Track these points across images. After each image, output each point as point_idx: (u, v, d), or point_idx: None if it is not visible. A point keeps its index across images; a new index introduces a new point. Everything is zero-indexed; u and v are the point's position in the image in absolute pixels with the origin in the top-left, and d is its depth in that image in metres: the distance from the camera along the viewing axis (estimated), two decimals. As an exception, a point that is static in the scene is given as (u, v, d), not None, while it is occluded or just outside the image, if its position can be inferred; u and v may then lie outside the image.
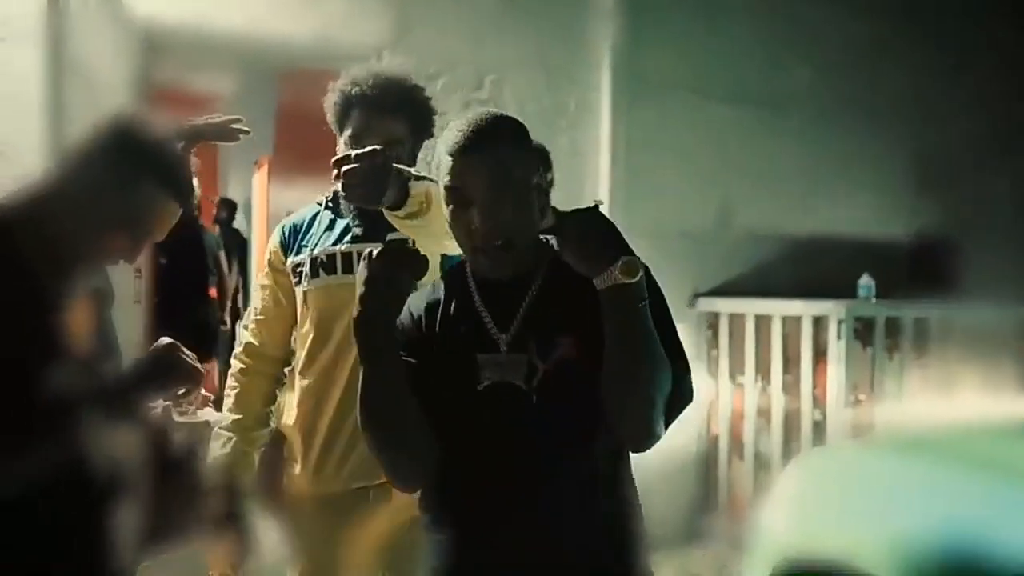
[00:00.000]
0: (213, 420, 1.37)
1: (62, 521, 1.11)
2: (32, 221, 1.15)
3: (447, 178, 1.25)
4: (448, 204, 1.27)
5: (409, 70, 1.89)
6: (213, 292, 6.31)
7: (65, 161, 1.20)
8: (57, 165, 1.20)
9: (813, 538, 2.00)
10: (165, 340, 1.22)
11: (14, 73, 2.19)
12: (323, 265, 1.79)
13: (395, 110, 1.77)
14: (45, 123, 2.10)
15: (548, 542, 1.24)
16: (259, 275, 1.92)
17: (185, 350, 1.21)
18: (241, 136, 1.99)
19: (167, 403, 1.19)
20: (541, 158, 2.00)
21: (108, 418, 1.12)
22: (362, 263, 1.24)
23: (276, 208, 5.72)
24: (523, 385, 1.25)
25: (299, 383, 1.83)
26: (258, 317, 1.89)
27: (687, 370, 1.28)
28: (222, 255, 6.37)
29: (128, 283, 2.77)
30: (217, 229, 6.75)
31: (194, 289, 5.96)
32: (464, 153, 1.24)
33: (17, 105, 2.15)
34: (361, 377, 1.25)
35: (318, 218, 1.87)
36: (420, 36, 3.39)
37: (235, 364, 1.90)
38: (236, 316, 7.12)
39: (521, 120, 1.32)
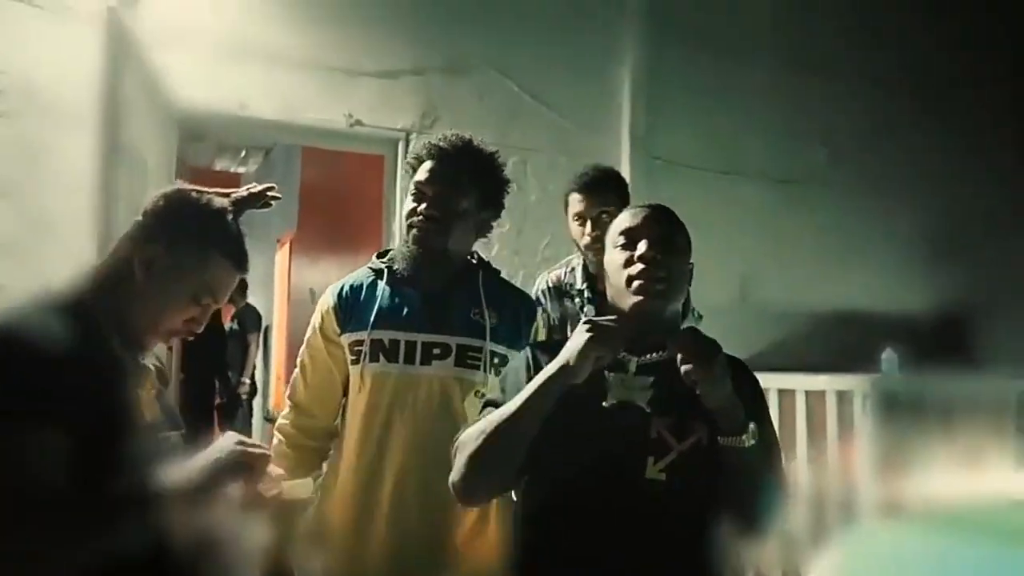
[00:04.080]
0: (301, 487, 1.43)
1: None
2: (110, 297, 1.20)
3: (625, 223, 1.44)
4: (616, 246, 1.42)
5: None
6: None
7: (129, 238, 1.25)
8: (123, 243, 1.24)
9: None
10: (230, 436, 1.25)
11: (68, 155, 2.27)
12: (385, 351, 1.69)
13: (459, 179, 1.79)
14: (95, 203, 2.16)
15: None
16: (310, 340, 1.80)
17: (248, 440, 1.24)
18: (273, 202, 2.16)
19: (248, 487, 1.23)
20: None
21: (178, 506, 1.15)
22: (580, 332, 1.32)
23: (298, 284, 5.81)
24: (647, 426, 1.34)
25: (345, 463, 1.71)
26: (308, 388, 1.78)
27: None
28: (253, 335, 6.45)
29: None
30: (232, 308, 6.82)
31: (215, 365, 6.00)
32: (642, 207, 1.48)
33: (70, 186, 2.23)
34: (519, 408, 1.31)
35: (377, 290, 1.76)
36: (445, 122, 3.50)
37: (281, 437, 1.77)
38: (253, 392, 7.14)
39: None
